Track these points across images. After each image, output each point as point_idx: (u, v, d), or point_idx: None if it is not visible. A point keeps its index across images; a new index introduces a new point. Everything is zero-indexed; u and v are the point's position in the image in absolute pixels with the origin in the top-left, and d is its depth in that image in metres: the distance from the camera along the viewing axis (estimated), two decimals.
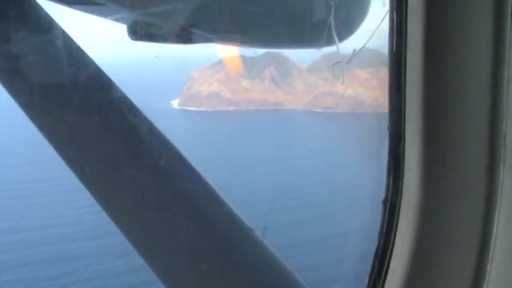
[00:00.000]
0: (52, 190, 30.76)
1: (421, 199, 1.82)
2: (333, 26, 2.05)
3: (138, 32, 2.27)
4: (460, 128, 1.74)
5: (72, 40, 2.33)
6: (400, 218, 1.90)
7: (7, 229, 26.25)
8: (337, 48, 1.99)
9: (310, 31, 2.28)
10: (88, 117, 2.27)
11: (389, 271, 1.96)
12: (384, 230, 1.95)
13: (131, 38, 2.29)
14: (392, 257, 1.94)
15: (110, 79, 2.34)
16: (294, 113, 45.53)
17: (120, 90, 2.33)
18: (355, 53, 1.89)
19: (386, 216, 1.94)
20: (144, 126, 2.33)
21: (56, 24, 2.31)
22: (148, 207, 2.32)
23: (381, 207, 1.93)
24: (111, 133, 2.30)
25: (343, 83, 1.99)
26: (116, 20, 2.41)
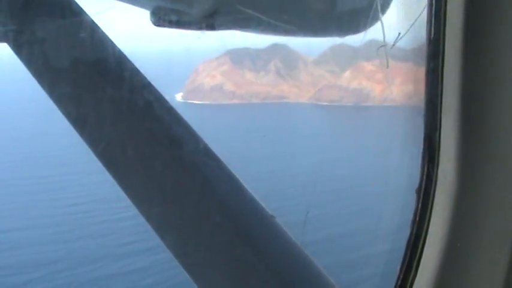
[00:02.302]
0: (28, 188, 30.57)
1: (456, 188, 1.81)
2: (379, 7, 2.04)
3: (161, 18, 2.26)
4: (497, 115, 1.72)
5: (94, 23, 2.33)
6: (434, 206, 1.89)
7: None
8: (383, 31, 1.97)
9: (338, 18, 2.27)
10: (111, 102, 2.27)
11: (422, 259, 1.95)
12: (417, 218, 1.94)
13: (154, 24, 2.28)
14: (425, 246, 1.94)
15: (133, 64, 2.33)
16: (298, 106, 45.48)
17: (144, 77, 2.32)
18: (400, 37, 1.88)
19: (420, 205, 1.93)
20: (167, 114, 2.33)
21: (80, 8, 2.32)
22: (170, 194, 2.32)
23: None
24: (135, 119, 2.31)
25: (387, 67, 1.97)
26: (140, 6, 2.40)
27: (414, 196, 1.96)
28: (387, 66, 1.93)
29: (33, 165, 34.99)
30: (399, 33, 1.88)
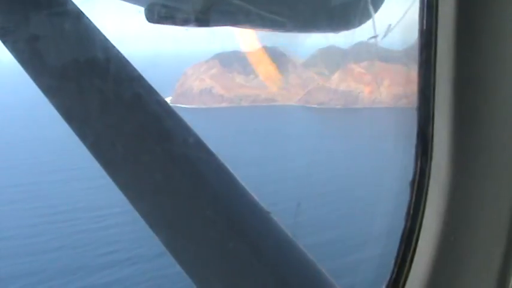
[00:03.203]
0: (8, 197, 30.11)
1: (450, 182, 1.81)
2: (370, 5, 2.04)
3: (155, 15, 2.26)
4: (490, 108, 1.73)
5: (90, 21, 2.33)
6: (428, 201, 1.89)
7: None
8: (374, 26, 1.97)
9: (331, 13, 2.28)
10: (102, 95, 2.26)
11: (417, 253, 1.95)
12: (411, 213, 1.94)
13: (149, 21, 2.28)
14: (419, 240, 1.94)
15: (135, 68, 2.33)
16: (287, 109, 45.55)
17: (146, 80, 2.32)
18: (391, 28, 1.88)
19: (413, 200, 1.93)
20: (169, 116, 2.32)
21: (76, 7, 2.31)
22: (162, 187, 2.31)
23: None
24: (127, 112, 2.30)
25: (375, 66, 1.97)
26: (134, 2, 2.40)
27: (406, 199, 1.96)
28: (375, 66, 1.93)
29: (14, 173, 34.58)
30: (390, 25, 1.89)
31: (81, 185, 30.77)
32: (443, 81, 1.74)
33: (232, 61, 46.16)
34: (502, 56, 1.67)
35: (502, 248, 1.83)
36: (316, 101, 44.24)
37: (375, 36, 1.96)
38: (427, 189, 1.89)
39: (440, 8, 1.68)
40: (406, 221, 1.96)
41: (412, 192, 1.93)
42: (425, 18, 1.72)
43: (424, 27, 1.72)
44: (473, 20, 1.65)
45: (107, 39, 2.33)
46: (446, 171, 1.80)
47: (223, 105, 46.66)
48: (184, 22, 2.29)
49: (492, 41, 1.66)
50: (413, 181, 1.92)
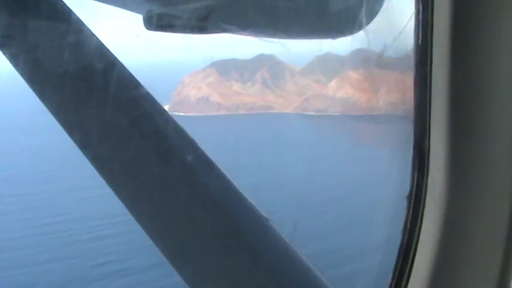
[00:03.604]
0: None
1: (446, 196, 1.81)
2: (364, 12, 2.05)
3: (153, 22, 2.26)
4: (486, 122, 1.74)
5: (89, 30, 2.34)
6: (425, 214, 1.89)
7: None
8: (368, 40, 1.98)
9: (329, 20, 2.29)
10: (111, 115, 2.27)
11: (414, 267, 1.95)
12: (408, 226, 1.94)
13: (147, 28, 2.28)
14: (417, 254, 1.94)
15: (134, 77, 2.34)
16: (284, 117, 45.49)
17: (144, 88, 2.33)
18: (386, 49, 1.89)
19: (410, 213, 1.93)
20: (168, 125, 2.33)
21: (75, 15, 2.32)
22: (160, 194, 2.31)
23: None
24: (135, 131, 2.30)
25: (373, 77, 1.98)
26: (132, 10, 2.40)
27: (404, 206, 1.96)
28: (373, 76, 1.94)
29: (6, 184, 34.27)
30: (384, 45, 1.90)
31: (73, 196, 30.56)
32: (438, 97, 1.75)
33: (229, 69, 46.19)
34: (498, 69, 1.68)
35: (500, 261, 1.83)
36: (314, 108, 44.23)
37: (369, 57, 1.97)
38: (423, 203, 1.89)
39: (435, 25, 1.69)
40: (403, 235, 1.96)
41: (408, 206, 1.93)
42: (420, 35, 1.73)
43: (419, 44, 1.73)
44: (467, 36, 1.66)
45: (106, 48, 2.34)
46: (443, 185, 1.81)
47: (221, 113, 46.63)
48: (183, 29, 2.30)
49: (486, 56, 1.67)
50: (409, 195, 1.93)
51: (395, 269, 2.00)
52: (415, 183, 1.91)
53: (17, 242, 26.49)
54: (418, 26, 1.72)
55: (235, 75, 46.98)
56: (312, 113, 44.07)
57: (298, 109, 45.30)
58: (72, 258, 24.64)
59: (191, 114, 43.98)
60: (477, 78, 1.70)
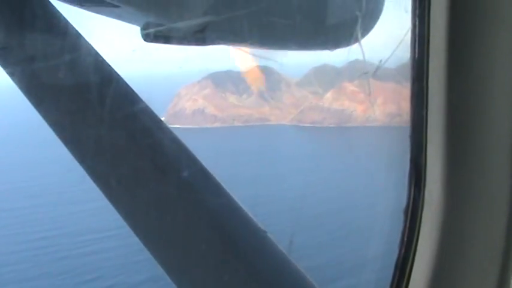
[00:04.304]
0: None
1: (443, 209, 1.81)
2: (358, 24, 2.06)
3: (151, 34, 2.27)
4: (483, 136, 1.74)
5: (87, 42, 2.34)
6: (422, 228, 1.89)
7: None
8: (363, 54, 1.99)
9: (327, 32, 2.30)
10: (109, 128, 2.27)
11: (411, 281, 1.94)
12: (405, 239, 1.94)
13: (144, 40, 2.29)
14: (414, 267, 1.93)
15: (133, 90, 2.34)
16: (280, 128, 45.55)
17: (143, 102, 2.33)
18: (382, 64, 1.90)
19: (407, 227, 1.93)
20: (168, 139, 2.33)
21: (73, 28, 2.33)
22: (159, 207, 2.31)
23: None
24: (133, 145, 2.30)
25: (370, 94, 1.99)
26: (129, 21, 2.41)
27: (400, 219, 1.96)
28: (369, 93, 1.95)
29: None
30: (381, 60, 1.90)
31: (62, 210, 30.36)
32: (435, 111, 1.75)
33: (225, 81, 46.32)
34: (493, 84, 1.68)
35: (497, 275, 1.83)
36: (310, 120, 44.33)
37: (366, 72, 1.98)
38: (420, 217, 1.89)
39: (431, 39, 1.69)
40: (400, 248, 1.96)
41: (405, 220, 1.93)
42: (417, 49, 1.74)
43: (416, 58, 1.73)
44: (464, 50, 1.67)
45: (104, 60, 2.34)
46: (439, 199, 1.81)
47: (216, 125, 46.71)
48: (180, 41, 2.30)
49: (482, 70, 1.68)
50: (406, 209, 1.93)
51: (392, 283, 2.00)
52: (412, 196, 1.90)
53: (4, 258, 26.14)
54: (415, 41, 1.73)
55: (230, 87, 47.10)
56: (308, 125, 44.17)
57: (294, 121, 45.40)
58: (60, 274, 24.25)
59: (187, 126, 44.04)
60: (473, 92, 1.70)
